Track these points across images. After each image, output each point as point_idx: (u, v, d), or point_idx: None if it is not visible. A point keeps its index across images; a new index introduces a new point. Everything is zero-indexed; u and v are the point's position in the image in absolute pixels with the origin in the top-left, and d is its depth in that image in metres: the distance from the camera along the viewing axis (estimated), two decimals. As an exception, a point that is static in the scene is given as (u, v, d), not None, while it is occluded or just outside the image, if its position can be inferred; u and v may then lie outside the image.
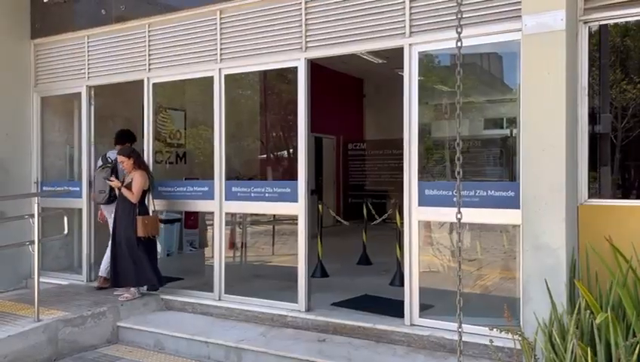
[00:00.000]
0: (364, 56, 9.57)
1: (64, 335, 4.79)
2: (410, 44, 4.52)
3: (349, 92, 13.19)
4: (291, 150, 12.00)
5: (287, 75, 9.06)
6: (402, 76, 4.58)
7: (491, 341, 3.49)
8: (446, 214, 4.32)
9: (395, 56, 5.54)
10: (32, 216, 4.94)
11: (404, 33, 4.54)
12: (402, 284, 5.16)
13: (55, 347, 4.72)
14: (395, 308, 4.84)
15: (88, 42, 6.47)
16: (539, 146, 3.72)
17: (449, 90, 7.91)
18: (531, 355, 3.21)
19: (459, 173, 2.70)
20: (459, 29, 2.65)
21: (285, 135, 11.83)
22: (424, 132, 4.69)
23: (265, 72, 8.86)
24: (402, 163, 4.60)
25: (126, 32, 6.17)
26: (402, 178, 4.59)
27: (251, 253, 9.12)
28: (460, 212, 2.67)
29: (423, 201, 4.45)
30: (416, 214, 4.49)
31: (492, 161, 8.87)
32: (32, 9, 6.87)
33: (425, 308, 4.56)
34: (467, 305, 3.10)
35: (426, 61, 4.81)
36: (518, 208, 3.93)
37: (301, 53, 5.04)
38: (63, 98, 6.97)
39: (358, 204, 10.71)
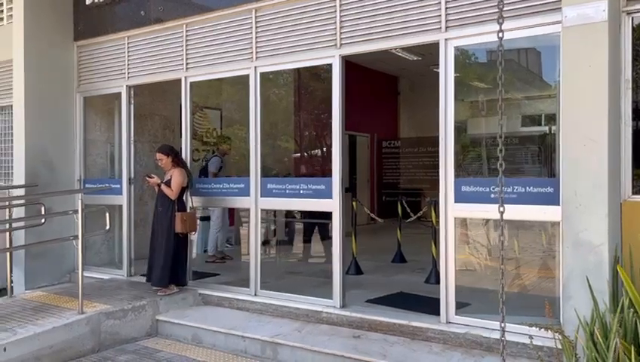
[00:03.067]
0: (399, 54, 9.53)
1: (106, 328, 4.94)
2: (446, 39, 4.47)
3: (384, 90, 13.13)
4: (324, 148, 12.04)
5: (320, 74, 9.10)
6: (437, 73, 4.54)
7: (531, 338, 3.43)
8: (483, 211, 4.28)
9: (430, 53, 5.50)
10: (76, 211, 5.11)
11: (440, 28, 4.50)
12: (438, 282, 5.13)
13: (98, 338, 4.87)
14: (430, 306, 4.80)
15: (128, 43, 6.64)
16: (580, 142, 3.63)
17: (485, 86, 7.83)
18: (572, 354, 3.14)
19: (501, 165, 2.65)
20: (500, 20, 2.60)
21: (319, 133, 11.87)
22: (459, 129, 4.64)
23: (298, 71, 8.95)
24: (437, 160, 4.56)
25: (164, 33, 6.30)
26: (437, 176, 4.56)
27: (285, 249, 9.20)
28: (502, 205, 2.62)
29: (460, 198, 4.40)
30: (453, 211, 4.45)
31: (530, 159, 8.70)
32: (75, 12, 7.09)
33: (461, 306, 4.51)
34: (505, 304, 3.05)
35: (462, 57, 4.75)
36: (558, 205, 3.86)
37: (335, 50, 5.05)
38: (103, 98, 7.17)
39: (392, 202, 10.68)
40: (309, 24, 5.22)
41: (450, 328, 4.33)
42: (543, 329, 3.24)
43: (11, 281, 5.94)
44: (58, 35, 6.96)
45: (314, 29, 5.19)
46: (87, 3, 6.86)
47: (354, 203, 6.98)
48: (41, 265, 6.47)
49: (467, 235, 6.12)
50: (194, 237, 6.40)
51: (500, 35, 2.62)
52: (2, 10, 7.63)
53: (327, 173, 5.35)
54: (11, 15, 7.13)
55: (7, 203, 6.03)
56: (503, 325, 2.70)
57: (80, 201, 5.10)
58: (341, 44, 5.03)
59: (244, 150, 7.32)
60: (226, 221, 7.84)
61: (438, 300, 4.57)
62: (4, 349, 4.23)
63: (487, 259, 6.68)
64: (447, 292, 4.44)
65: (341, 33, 5.02)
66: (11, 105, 7.08)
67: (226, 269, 6.88)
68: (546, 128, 8.31)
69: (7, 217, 6.04)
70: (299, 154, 11.33)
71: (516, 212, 4.09)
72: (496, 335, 4.02)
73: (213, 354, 4.74)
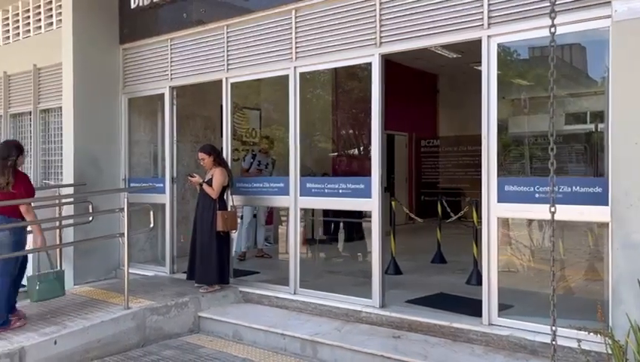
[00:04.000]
0: (438, 51, 9.42)
1: (151, 323, 5.07)
2: (488, 36, 4.39)
3: (423, 88, 12.99)
4: (362, 147, 12.00)
5: (358, 73, 9.08)
6: (478, 71, 4.46)
7: (579, 342, 3.33)
8: (528, 211, 4.19)
9: (470, 50, 5.41)
10: (122, 210, 5.27)
11: (482, 25, 4.42)
12: (479, 283, 5.04)
13: (143, 333, 5.01)
14: (471, 307, 4.73)
15: (171, 45, 6.79)
16: (631, 140, 3.51)
17: (527, 83, 7.65)
18: (623, 359, 3.05)
19: (552, 163, 2.58)
20: (552, 14, 2.54)
21: (356, 132, 11.84)
22: (501, 128, 4.55)
23: (335, 70, 8.93)
24: (478, 160, 4.49)
25: (206, 34, 6.42)
26: (478, 175, 4.48)
27: (323, 248, 9.22)
28: (553, 205, 2.55)
29: (503, 198, 4.32)
30: (495, 211, 4.37)
31: (574, 158, 8.45)
32: (121, 16, 7.30)
33: (503, 308, 4.43)
34: (549, 307, 2.97)
35: (503, 54, 4.66)
36: (606, 205, 3.74)
37: (375, 48, 5.03)
38: (147, 99, 7.36)
39: (430, 201, 10.56)
40: (348, 23, 5.22)
41: (492, 330, 4.26)
42: (591, 333, 3.15)
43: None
44: (105, 38, 7.18)
45: (353, 27, 5.19)
46: (132, 7, 7.05)
47: (393, 202, 6.93)
48: (88, 262, 6.69)
49: (509, 236, 6.00)
50: (234, 235, 6.49)
51: (552, 30, 2.54)
52: (52, 15, 7.93)
53: (365, 172, 5.34)
54: (60, 20, 7.40)
55: (57, 201, 6.26)
56: (554, 328, 2.63)
57: (125, 200, 5.26)
58: (381, 43, 5.01)
59: (282, 150, 7.38)
60: (260, 219, 7.91)
61: (479, 301, 4.50)
62: (55, 342, 4.40)
63: (530, 261, 6.53)
64: (490, 294, 4.37)
65: (381, 32, 5.00)
66: (60, 107, 7.36)
67: (266, 267, 6.96)
68: (592, 126, 8.06)
69: (57, 215, 6.27)
70: (336, 154, 11.34)
71: (563, 212, 3.94)
72: (541, 338, 3.96)
73: (254, 351, 4.79)
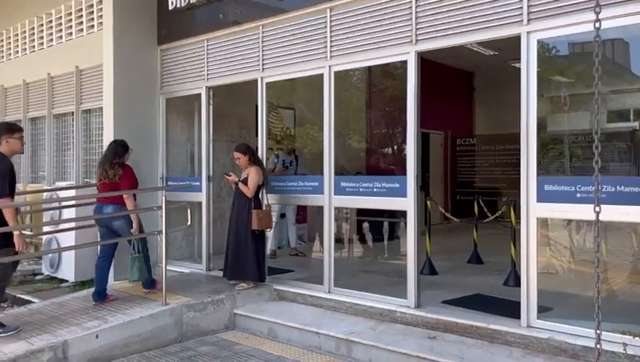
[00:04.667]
0: (475, 48, 9.27)
1: (188, 319, 5.16)
2: (527, 32, 4.30)
3: (458, 86, 12.81)
4: (395, 146, 11.91)
5: (392, 71, 9.01)
6: (516, 68, 4.37)
7: (625, 346, 3.23)
8: (568, 211, 4.09)
9: (508, 47, 5.30)
10: (160, 208, 5.37)
11: (522, 21, 4.33)
12: (517, 284, 4.95)
13: (180, 329, 5.10)
14: (509, 309, 4.65)
15: (207, 45, 6.89)
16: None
17: (567, 80, 7.44)
18: (670, 365, 2.93)
19: (597, 162, 2.51)
20: (597, 9, 2.46)
21: (390, 131, 11.76)
22: (539, 126, 4.44)
23: (369, 68, 8.90)
24: (515, 159, 4.40)
25: (241, 35, 6.48)
26: (515, 174, 4.39)
27: (357, 248, 9.20)
28: (598, 205, 2.47)
29: (542, 198, 4.22)
30: (534, 211, 4.27)
31: (617, 156, 8.19)
32: (159, 18, 7.44)
33: (542, 311, 4.33)
34: (592, 309, 2.89)
35: (541, 50, 4.54)
36: (653, 205, 3.61)
37: (411, 46, 4.99)
38: (184, 99, 7.48)
39: (466, 201, 10.40)
40: (384, 21, 5.19)
41: (531, 332, 4.17)
42: (637, 337, 3.04)
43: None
44: (143, 40, 7.34)
45: (389, 25, 5.16)
46: (169, 9, 7.18)
47: (428, 202, 6.86)
48: (127, 259, 6.83)
49: (548, 236, 5.86)
50: (269, 234, 6.54)
51: (597, 25, 2.47)
52: (93, 18, 8.15)
53: (399, 171, 5.30)
54: (101, 22, 7.60)
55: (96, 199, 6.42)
56: (598, 332, 2.55)
57: (163, 198, 5.36)
58: (417, 40, 4.96)
59: (315, 149, 7.40)
60: (290, 218, 7.94)
61: (517, 303, 4.41)
62: (97, 336, 4.53)
63: (570, 262, 6.37)
64: (529, 295, 4.28)
65: (417, 29, 4.95)
66: (101, 107, 7.56)
67: (300, 266, 6.98)
68: (636, 124, 7.81)
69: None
70: (369, 153, 11.29)
71: (606, 212, 3.79)
72: (583, 341, 3.85)
73: (289, 349, 4.82)
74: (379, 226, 9.28)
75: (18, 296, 6.65)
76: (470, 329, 4.47)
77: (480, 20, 4.58)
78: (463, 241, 8.20)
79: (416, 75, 4.95)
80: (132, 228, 5.43)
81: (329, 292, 5.54)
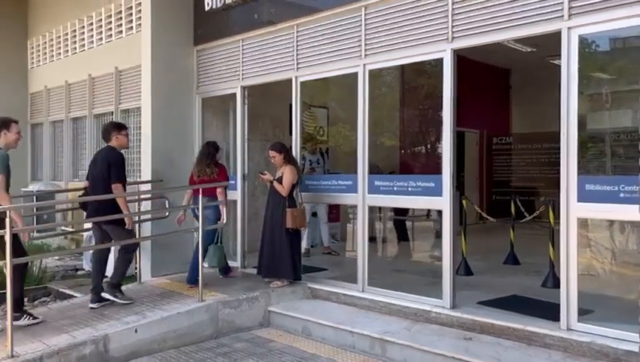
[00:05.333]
0: (512, 45, 9.07)
1: (223, 316, 5.24)
2: (569, 28, 4.19)
3: (494, 84, 12.60)
4: (429, 145, 11.80)
5: (426, 69, 8.92)
6: (554, 65, 4.27)
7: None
8: (611, 211, 3.98)
9: (546, 44, 5.17)
10: (197, 206, 5.46)
11: (562, 16, 4.22)
12: (555, 286, 4.85)
13: (216, 326, 5.18)
14: (547, 311, 4.56)
15: (242, 45, 6.96)
16: None
17: (609, 77, 7.21)
18: None
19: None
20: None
21: (424, 130, 11.66)
22: (580, 124, 4.32)
23: (402, 67, 8.83)
24: (554, 158, 4.30)
25: (276, 34, 6.53)
26: (553, 174, 4.29)
27: (390, 247, 9.16)
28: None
29: (583, 197, 4.11)
30: (575, 211, 4.16)
31: (661, 156, 7.90)
32: (195, 18, 7.56)
33: (583, 313, 4.22)
34: (636, 313, 2.81)
35: (581, 46, 4.43)
36: (702, 206, 3.47)
37: (447, 44, 4.93)
38: (219, 99, 7.58)
39: (503, 201, 10.23)
40: (419, 18, 5.15)
41: (571, 335, 4.07)
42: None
43: (136, 269, 6.47)
44: (180, 40, 7.46)
45: (424, 23, 5.11)
46: (205, 10, 7.28)
47: (464, 201, 6.77)
48: (165, 255, 6.97)
49: (588, 237, 5.71)
50: (304, 232, 6.57)
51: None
52: (132, 20, 8.35)
53: (433, 170, 5.24)
54: (140, 24, 7.77)
55: (136, 197, 6.59)
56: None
57: (200, 196, 5.45)
58: (453, 38, 4.90)
59: (348, 147, 7.39)
60: (321, 216, 7.95)
61: (555, 305, 4.32)
62: (136, 330, 4.64)
63: (611, 264, 6.19)
64: (569, 297, 4.17)
65: (453, 26, 4.89)
66: (139, 107, 7.73)
67: (333, 264, 6.99)
68: (682, 122, 7.52)
69: (137, 210, 6.60)
70: (402, 152, 11.22)
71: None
72: (626, 346, 3.74)
73: (323, 347, 4.84)
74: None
75: (61, 290, 6.86)
76: (507, 330, 4.39)
77: (519, 16, 4.48)
78: (499, 241, 8.07)
79: (452, 73, 4.89)
80: (219, 219, 5.99)
81: (362, 291, 5.53)
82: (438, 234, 5.86)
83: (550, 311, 4.46)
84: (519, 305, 5.04)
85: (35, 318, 4.82)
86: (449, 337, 4.48)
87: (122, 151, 5.51)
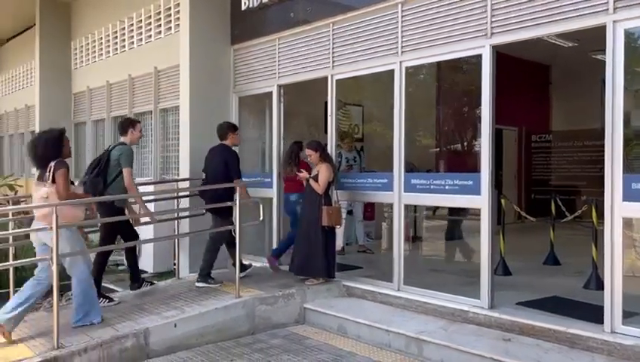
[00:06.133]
0: (552, 40, 8.84)
1: (260, 312, 5.29)
2: (614, 22, 4.07)
3: (534, 80, 12.30)
4: (466, 143, 11.61)
5: (463, 66, 8.78)
6: (596, 60, 4.15)
7: None
8: (658, 210, 3.83)
9: (589, 38, 5.02)
10: (234, 203, 5.53)
11: (607, 9, 4.10)
12: (599, 288, 4.73)
13: (252, 322, 5.24)
14: (589, 313, 4.45)
15: (278, 44, 7.01)
16: None
17: (657, 72, 6.94)
18: None
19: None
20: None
21: (460, 127, 11.48)
22: (624, 121, 4.19)
23: (439, 64, 8.73)
24: (596, 155, 4.18)
25: (311, 33, 6.55)
26: (596, 172, 4.17)
27: (427, 246, 9.08)
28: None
29: (629, 196, 3.99)
30: (620, 211, 4.04)
31: None
32: (232, 18, 7.65)
33: (628, 316, 4.09)
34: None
35: (627, 40, 4.29)
36: None
37: (485, 40, 4.85)
38: (255, 97, 7.65)
39: (542, 200, 9.99)
40: (457, 14, 5.08)
41: (615, 338, 3.95)
42: None
43: (174, 264, 6.60)
44: (218, 40, 7.57)
45: (462, 19, 5.04)
46: (242, 9, 7.36)
47: (502, 200, 6.65)
48: (202, 252, 7.08)
49: (632, 238, 5.53)
50: (339, 230, 6.58)
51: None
52: (170, 21, 8.51)
53: (470, 168, 5.16)
54: (178, 25, 7.92)
55: (175, 194, 6.72)
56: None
57: (237, 194, 5.52)
58: (492, 34, 4.81)
59: (383, 145, 7.34)
60: (357, 215, 7.93)
61: (598, 307, 4.22)
62: (175, 325, 4.74)
63: (658, 266, 5.97)
64: (613, 299, 4.05)
65: (492, 22, 4.81)
66: (177, 106, 7.88)
67: (368, 263, 6.98)
68: None
69: (175, 207, 6.73)
70: (439, 150, 11.08)
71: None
72: (674, 350, 3.61)
73: (358, 345, 4.84)
74: (449, 225, 9.15)
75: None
76: (547, 332, 4.30)
77: (561, 10, 4.38)
78: (538, 241, 7.89)
79: (492, 70, 4.81)
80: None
81: (398, 290, 5.50)
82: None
83: (592, 314, 4.35)
84: (560, 306, 4.92)
85: (111, 300, 5.35)
86: (487, 338, 4.41)
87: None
